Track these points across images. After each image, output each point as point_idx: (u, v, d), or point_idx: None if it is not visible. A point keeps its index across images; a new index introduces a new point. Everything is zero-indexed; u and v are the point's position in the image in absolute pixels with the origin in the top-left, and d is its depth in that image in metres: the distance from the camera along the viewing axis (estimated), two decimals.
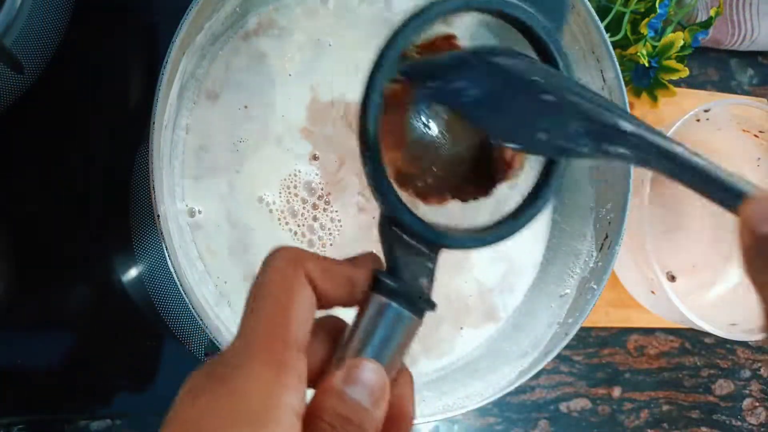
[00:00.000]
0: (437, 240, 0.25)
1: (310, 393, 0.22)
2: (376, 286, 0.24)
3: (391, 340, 0.23)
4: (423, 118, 0.27)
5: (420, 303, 0.24)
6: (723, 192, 0.19)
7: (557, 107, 0.21)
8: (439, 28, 0.25)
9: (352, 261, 0.24)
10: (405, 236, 0.24)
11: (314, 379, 0.23)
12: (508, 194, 0.28)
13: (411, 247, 0.24)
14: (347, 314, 0.24)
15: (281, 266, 0.22)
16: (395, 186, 0.25)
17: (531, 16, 0.24)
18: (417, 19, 0.23)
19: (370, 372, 0.22)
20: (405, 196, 0.26)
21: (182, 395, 0.20)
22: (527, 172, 0.27)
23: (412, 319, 0.24)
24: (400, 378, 0.24)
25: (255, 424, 0.19)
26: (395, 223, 0.24)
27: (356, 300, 0.24)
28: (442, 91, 0.24)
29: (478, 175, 0.28)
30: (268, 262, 0.23)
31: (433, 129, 0.27)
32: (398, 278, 0.24)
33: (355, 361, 0.22)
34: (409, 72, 0.25)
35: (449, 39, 0.27)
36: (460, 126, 0.27)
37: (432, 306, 0.25)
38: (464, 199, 0.28)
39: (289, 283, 0.22)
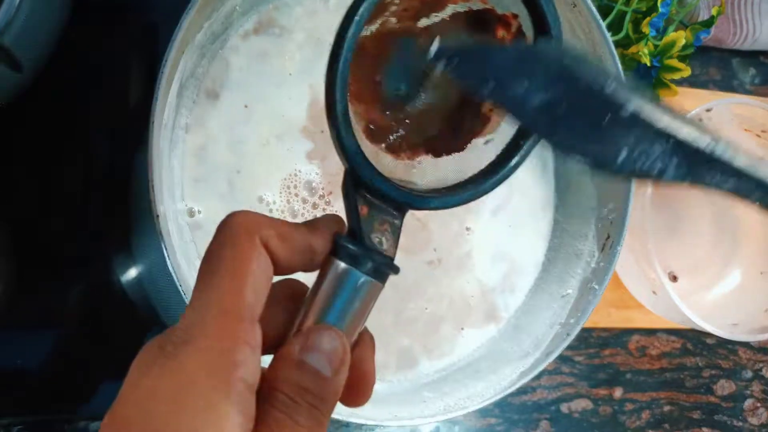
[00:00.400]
0: (402, 199, 0.23)
1: (267, 359, 0.22)
2: (337, 251, 0.23)
3: (351, 305, 0.22)
4: (399, 70, 0.26)
5: (382, 267, 0.23)
6: None
7: (641, 125, 0.19)
8: None
9: (312, 224, 0.23)
10: (368, 196, 0.23)
11: (273, 346, 0.22)
12: (484, 149, 0.26)
13: (375, 207, 0.23)
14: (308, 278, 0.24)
15: (235, 233, 0.21)
16: (363, 141, 0.23)
17: None
18: None
19: (329, 339, 0.21)
20: (374, 150, 0.25)
21: (132, 372, 0.20)
22: (505, 129, 0.25)
23: (373, 284, 0.23)
24: (360, 340, 0.24)
25: (205, 401, 0.19)
26: (359, 182, 0.23)
27: (316, 266, 0.23)
28: (496, 93, 0.21)
29: (453, 128, 0.26)
30: (221, 229, 0.21)
31: (410, 81, 0.26)
32: (360, 242, 0.23)
33: (313, 327, 0.22)
34: (448, 60, 0.22)
35: None
36: (438, 80, 0.25)
37: (395, 270, 0.23)
38: (437, 154, 0.26)
39: (243, 251, 0.21)
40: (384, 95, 0.26)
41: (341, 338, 0.22)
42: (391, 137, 0.25)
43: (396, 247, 0.24)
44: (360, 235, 0.23)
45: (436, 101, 0.26)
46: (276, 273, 0.22)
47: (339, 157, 0.23)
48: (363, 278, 0.22)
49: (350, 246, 0.22)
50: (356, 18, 0.22)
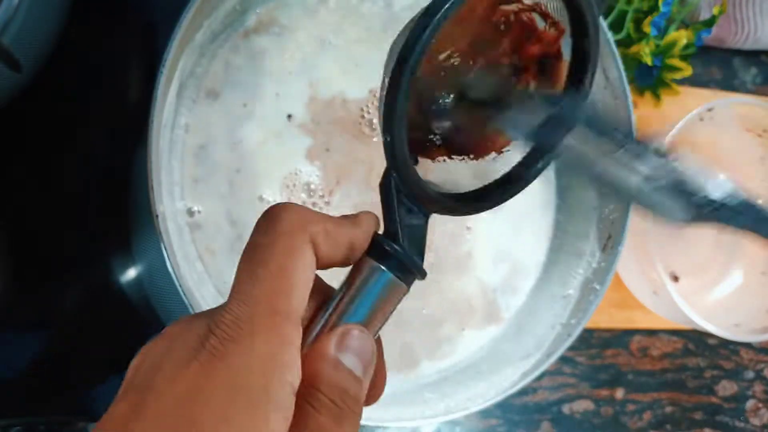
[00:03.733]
0: (441, 203, 0.24)
1: None
2: (373, 251, 0.23)
3: (380, 306, 0.23)
4: (448, 89, 0.27)
5: (413, 271, 0.23)
6: None
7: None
8: None
9: (354, 221, 0.23)
10: (406, 200, 0.24)
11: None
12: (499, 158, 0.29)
13: (410, 210, 0.24)
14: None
15: (286, 229, 0.21)
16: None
17: None
18: None
19: (362, 339, 0.22)
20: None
21: (161, 362, 0.19)
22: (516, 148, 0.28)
23: (402, 287, 0.23)
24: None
25: (253, 404, 0.18)
26: (401, 181, 0.23)
27: (351, 262, 0.23)
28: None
29: (474, 140, 0.28)
30: (270, 222, 0.21)
31: (454, 98, 0.27)
32: (396, 243, 0.23)
33: (347, 327, 0.22)
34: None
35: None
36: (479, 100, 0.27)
37: (423, 275, 0.24)
38: (452, 157, 0.28)
39: (294, 249, 0.20)
40: (426, 107, 0.27)
41: (371, 339, 0.22)
42: (418, 140, 0.26)
43: (425, 251, 0.24)
44: (396, 236, 0.23)
45: (468, 116, 0.28)
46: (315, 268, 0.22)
47: (388, 161, 0.23)
48: (395, 280, 0.23)
49: (387, 247, 0.23)
50: (434, 21, 0.21)
